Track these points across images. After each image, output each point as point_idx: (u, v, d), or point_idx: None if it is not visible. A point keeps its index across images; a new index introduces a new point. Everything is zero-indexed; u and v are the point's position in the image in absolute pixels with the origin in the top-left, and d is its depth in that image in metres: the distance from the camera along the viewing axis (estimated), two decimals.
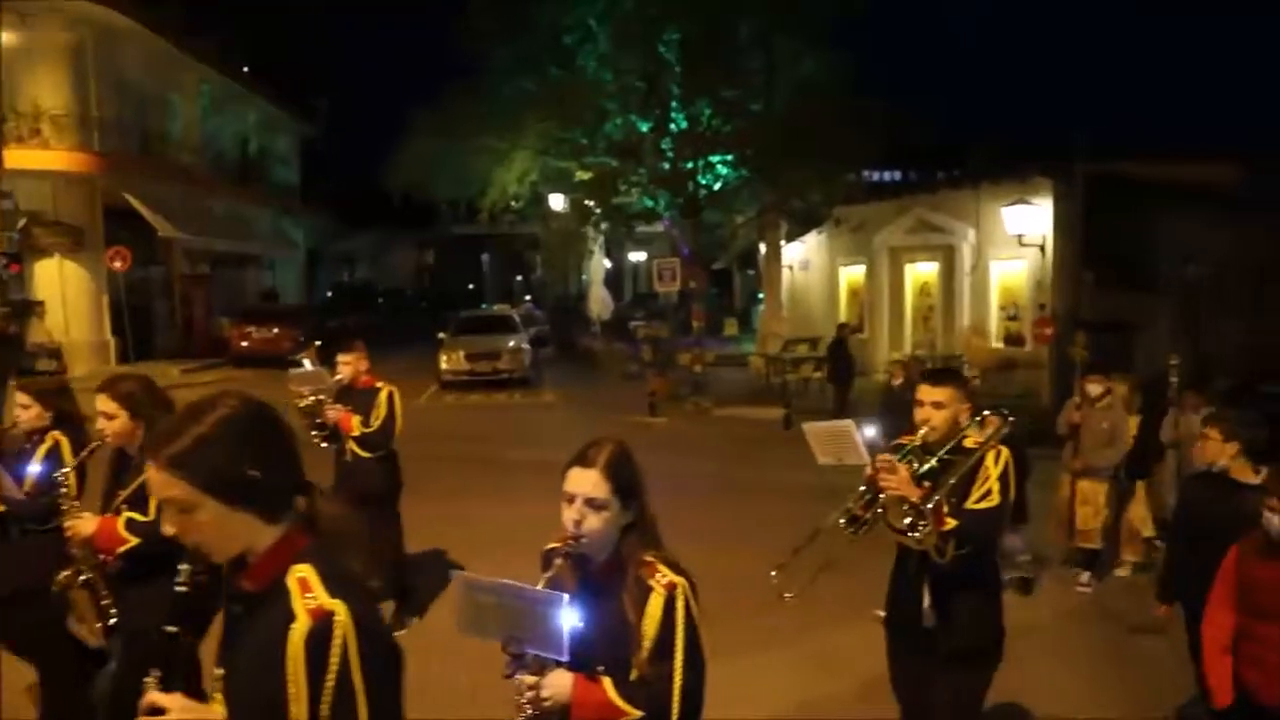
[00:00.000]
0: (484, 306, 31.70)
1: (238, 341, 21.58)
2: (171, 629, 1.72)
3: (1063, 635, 6.10)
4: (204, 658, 2.13)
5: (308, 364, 6.06)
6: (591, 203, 19.74)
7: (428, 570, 7.02)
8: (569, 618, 1.96)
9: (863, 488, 3.14)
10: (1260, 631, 3.31)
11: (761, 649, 5.49)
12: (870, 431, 3.52)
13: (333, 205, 38.29)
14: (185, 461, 1.57)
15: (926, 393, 3.31)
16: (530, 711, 2.04)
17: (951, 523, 3.00)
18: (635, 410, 15.32)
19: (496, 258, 52.11)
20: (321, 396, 5.66)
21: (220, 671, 1.69)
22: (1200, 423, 6.96)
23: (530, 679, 2.04)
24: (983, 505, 3.14)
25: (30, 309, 19.03)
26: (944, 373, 3.61)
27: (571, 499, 2.18)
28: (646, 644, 2.11)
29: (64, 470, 3.50)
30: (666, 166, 18.47)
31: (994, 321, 18.32)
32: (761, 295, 26.47)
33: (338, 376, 5.78)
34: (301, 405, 5.63)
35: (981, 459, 3.20)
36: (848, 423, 3.44)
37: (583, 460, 2.22)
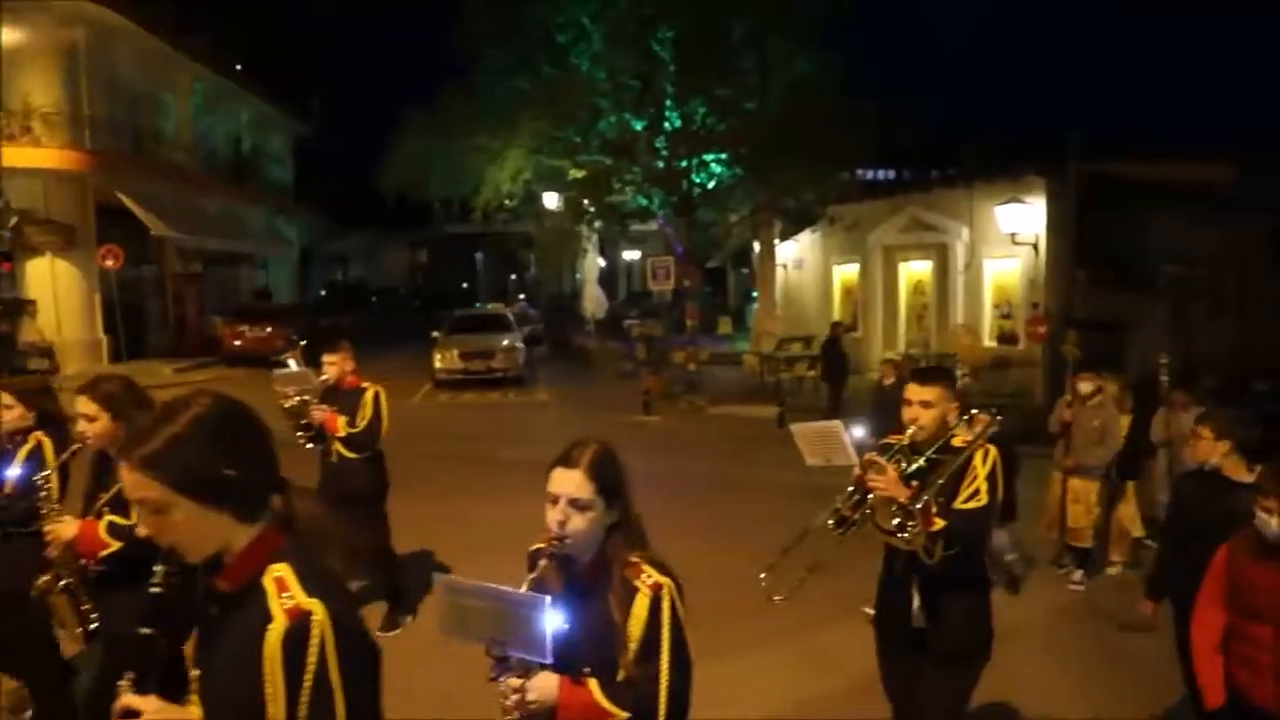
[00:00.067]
0: (478, 305, 31.68)
1: (230, 340, 21.52)
2: (146, 631, 1.70)
3: (1054, 633, 6.11)
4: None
5: (293, 364, 6.00)
6: (585, 201, 19.74)
7: (421, 570, 7.02)
8: (552, 620, 1.95)
9: (851, 488, 3.14)
10: (1251, 632, 3.30)
11: (756, 648, 5.50)
12: (858, 432, 3.52)
13: (326, 204, 38.21)
14: (158, 461, 1.55)
15: (915, 392, 3.31)
16: (516, 714, 2.02)
17: (940, 523, 3.00)
18: (629, 409, 15.32)
19: (490, 256, 52.04)
20: (307, 397, 5.61)
21: (196, 673, 1.67)
22: (1193, 421, 7.02)
23: (515, 681, 2.02)
24: (971, 505, 3.14)
25: (22, 308, 18.96)
26: (932, 372, 3.61)
27: (555, 500, 2.17)
28: (632, 645, 2.10)
29: (44, 473, 3.44)
30: (660, 165, 18.48)
31: (988, 320, 18.36)
32: (755, 294, 26.49)
33: (323, 377, 5.72)
34: (287, 406, 5.58)
35: (970, 458, 3.19)
36: (836, 424, 3.44)
37: (566, 461, 2.20)
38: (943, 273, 18.99)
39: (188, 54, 23.80)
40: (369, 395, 5.71)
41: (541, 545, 2.15)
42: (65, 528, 3.28)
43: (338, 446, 5.67)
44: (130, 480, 1.58)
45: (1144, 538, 7.14)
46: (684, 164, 18.36)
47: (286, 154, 35.22)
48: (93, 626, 3.35)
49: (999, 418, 3.42)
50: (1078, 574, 6.90)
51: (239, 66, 28.20)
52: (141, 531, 1.64)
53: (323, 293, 41.83)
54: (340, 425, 5.60)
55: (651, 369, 17.80)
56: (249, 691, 1.49)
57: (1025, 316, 16.45)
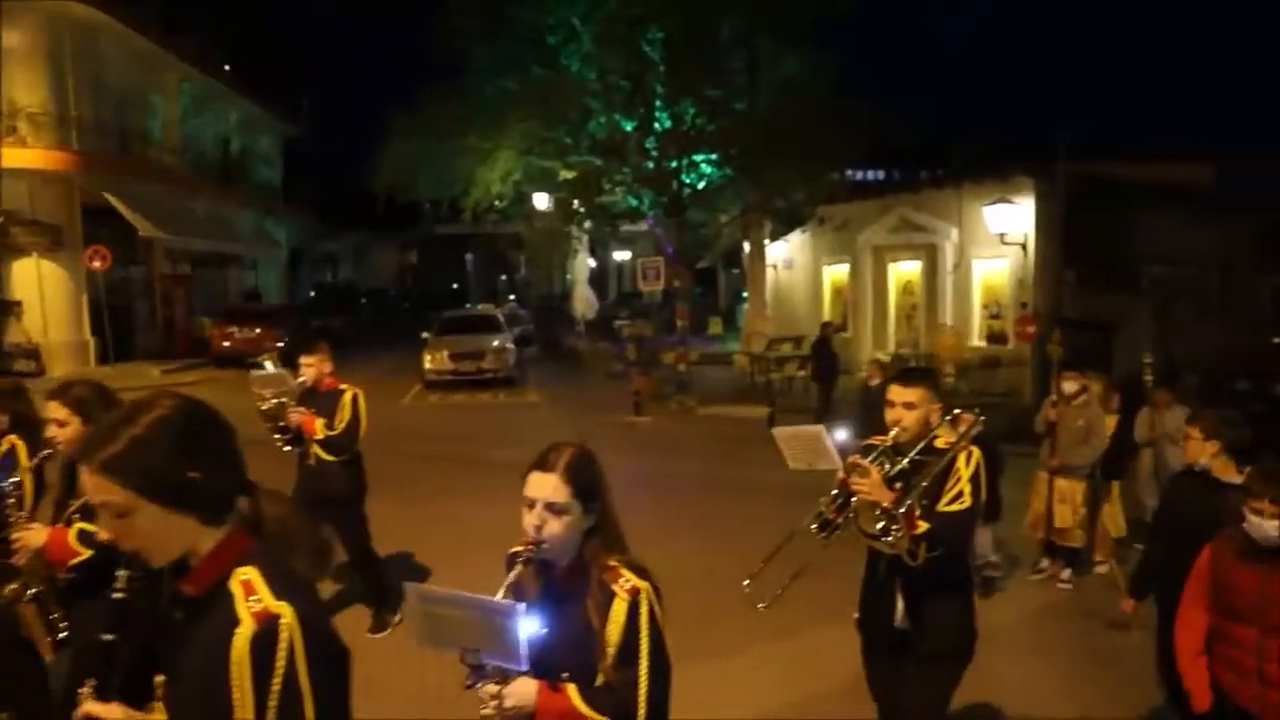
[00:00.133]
0: (468, 306, 31.61)
1: (219, 342, 21.44)
2: (108, 637, 1.66)
3: (1042, 632, 6.14)
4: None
5: (270, 366, 5.92)
6: (575, 202, 19.70)
7: (411, 571, 7.02)
8: (526, 627, 1.93)
9: (835, 491, 3.12)
10: (1235, 634, 3.28)
11: (746, 648, 5.51)
12: (841, 435, 3.50)
13: (315, 205, 38.12)
14: (119, 465, 1.52)
15: (897, 393, 3.30)
16: None
17: (923, 526, 3.00)
18: (620, 409, 15.32)
19: (480, 257, 51.96)
20: (284, 399, 5.54)
21: (161, 678, 1.64)
22: (1179, 421, 7.06)
23: (493, 688, 2.01)
24: (954, 508, 3.13)
25: (8, 309, 18.85)
26: (915, 373, 3.60)
27: (532, 504, 2.14)
28: (611, 650, 2.08)
29: (12, 480, 3.37)
30: (650, 165, 18.46)
31: (977, 320, 18.44)
32: (746, 294, 26.52)
33: (300, 379, 5.65)
34: (264, 408, 5.52)
35: (953, 460, 3.18)
36: (818, 428, 3.41)
37: (542, 464, 2.18)
38: (932, 273, 19.06)
39: (176, 54, 23.72)
40: (347, 397, 5.64)
41: (520, 549, 2.12)
42: (34, 535, 3.20)
43: (315, 449, 5.59)
44: (91, 484, 1.54)
45: (1122, 537, 7.16)
46: (674, 164, 18.35)
47: (275, 155, 35.11)
48: (62, 635, 3.28)
49: (982, 418, 3.43)
50: (1066, 572, 6.93)
51: (227, 67, 28.10)
52: (103, 536, 1.60)
53: (312, 294, 41.68)
54: (318, 428, 5.53)
55: (642, 369, 17.81)
56: (216, 696, 1.46)
57: (1014, 316, 16.53)
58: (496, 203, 20.14)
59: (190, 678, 1.53)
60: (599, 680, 2.09)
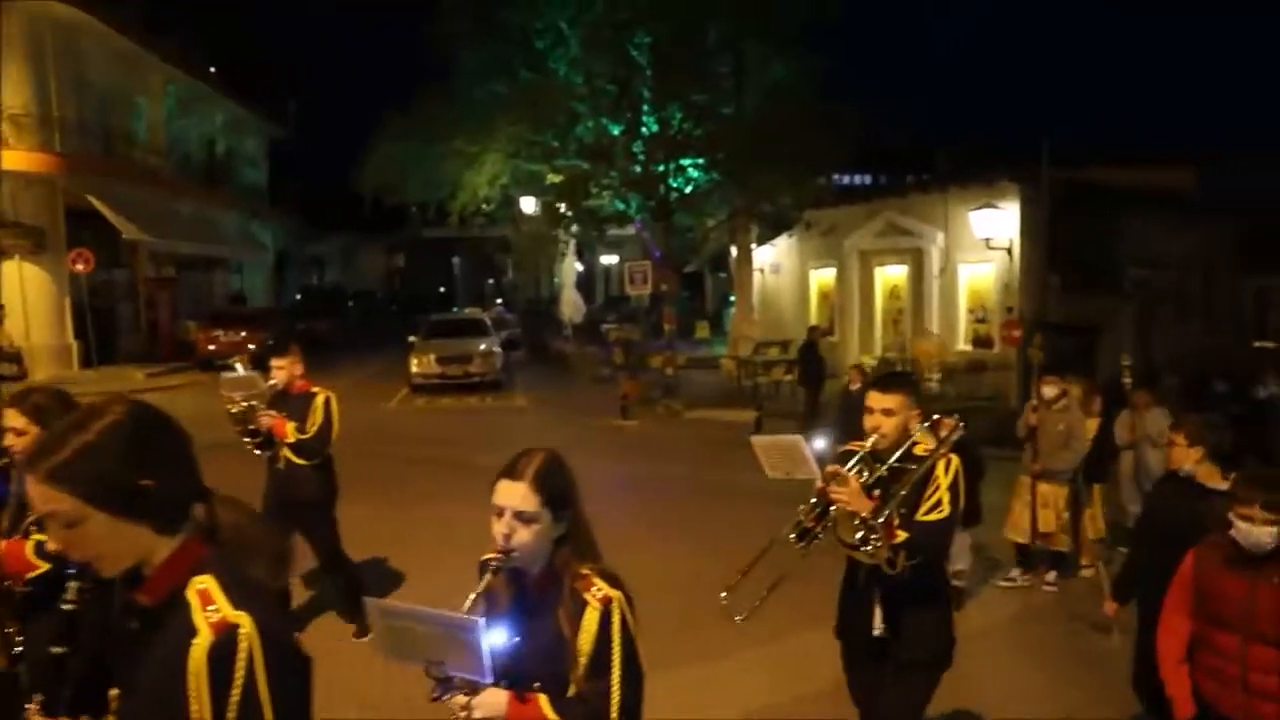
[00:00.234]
0: (455, 310, 31.53)
1: (204, 345, 21.32)
2: (58, 650, 1.61)
3: (1027, 634, 6.16)
4: None
5: (240, 368, 5.86)
6: (562, 205, 19.71)
7: (388, 575, 6.99)
8: (489, 640, 1.91)
9: (813, 500, 3.09)
10: (1218, 642, 3.24)
11: (732, 652, 5.51)
12: (820, 444, 3.48)
13: (301, 208, 37.97)
14: (68, 473, 1.47)
15: (876, 400, 3.27)
16: None
17: (902, 535, 2.98)
18: (607, 413, 15.32)
19: (467, 261, 51.87)
20: (254, 402, 5.47)
21: (115, 692, 1.59)
22: (1159, 422, 7.11)
23: (462, 699, 1.99)
24: (932, 517, 3.11)
25: None
26: (894, 379, 3.56)
27: (500, 512, 2.11)
28: (582, 660, 2.06)
29: None
30: (638, 169, 18.49)
31: (962, 324, 18.52)
32: (733, 298, 26.56)
33: (271, 381, 5.57)
34: (233, 411, 5.45)
35: (932, 468, 3.16)
36: (796, 438, 3.35)
37: (511, 472, 2.14)
38: (918, 277, 19.14)
39: (160, 56, 23.58)
40: (319, 400, 5.55)
41: (491, 556, 2.10)
42: None
43: (286, 452, 5.51)
44: (38, 493, 1.49)
45: (1101, 539, 7.18)
46: (661, 169, 18.38)
47: (261, 157, 34.97)
48: (17, 651, 3.22)
49: (962, 424, 3.42)
50: (1051, 575, 6.95)
51: (213, 69, 27.98)
52: (51, 547, 1.56)
53: (298, 297, 41.52)
54: (289, 431, 5.45)
55: (629, 373, 17.80)
56: (173, 709, 1.42)
57: (999, 320, 16.61)
58: (484, 206, 20.14)
59: (146, 690, 1.49)
60: (571, 690, 2.07)
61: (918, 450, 3.22)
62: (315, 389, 5.63)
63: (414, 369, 18.55)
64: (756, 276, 24.28)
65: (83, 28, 19.95)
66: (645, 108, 18.35)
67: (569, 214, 19.87)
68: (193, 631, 1.45)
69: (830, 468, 3.13)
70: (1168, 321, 17.99)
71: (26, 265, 19.05)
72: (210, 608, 1.48)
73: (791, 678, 5.28)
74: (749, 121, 17.96)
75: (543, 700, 2.05)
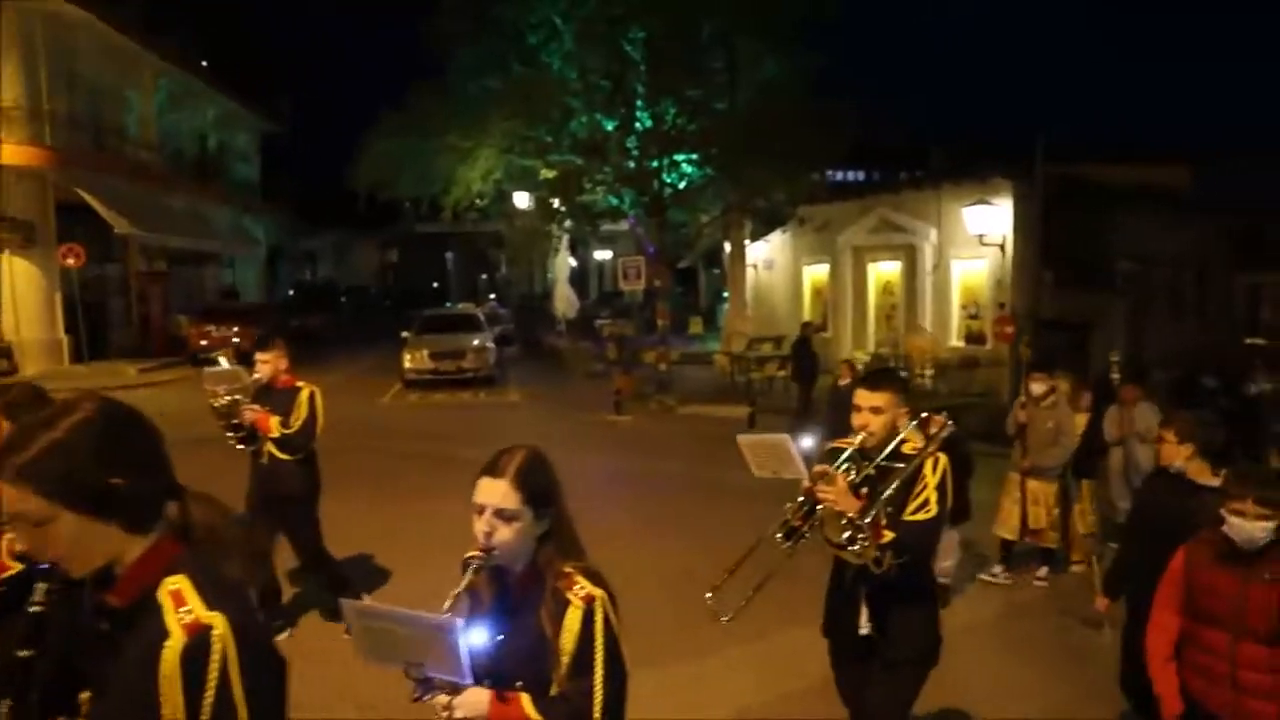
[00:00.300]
0: (448, 305, 31.51)
1: (197, 340, 21.23)
2: (25, 653, 1.58)
3: (1018, 630, 6.16)
4: None
5: (224, 362, 5.77)
6: (556, 201, 19.67)
7: (374, 570, 6.98)
8: (468, 641, 1.90)
9: (800, 499, 3.07)
10: (1207, 639, 3.24)
11: (723, 649, 5.50)
12: (807, 443, 3.45)
13: (294, 203, 37.85)
14: (35, 472, 1.44)
15: (864, 398, 3.24)
16: None
17: (889, 535, 2.97)
18: (600, 409, 15.31)
19: (461, 256, 51.82)
20: (238, 396, 5.43)
21: (86, 695, 1.57)
22: (1153, 419, 7.11)
23: (444, 698, 1.97)
24: (919, 516, 3.09)
25: None
26: (882, 376, 3.52)
27: (481, 510, 2.10)
28: (565, 659, 2.04)
29: None
30: (631, 165, 18.46)
31: (955, 320, 18.56)
32: (726, 294, 26.57)
33: (256, 375, 5.54)
34: (216, 405, 5.41)
35: (920, 467, 3.14)
36: (783, 436, 3.32)
37: (492, 469, 2.12)
38: (911, 273, 19.17)
39: (152, 49, 23.44)
40: (304, 394, 5.51)
41: (473, 554, 2.08)
42: None
43: (270, 447, 5.47)
44: (4, 493, 1.46)
45: (1091, 535, 7.19)
46: (655, 164, 18.35)
47: (253, 152, 34.83)
48: None
49: (950, 422, 3.40)
50: (1042, 570, 6.97)
51: (205, 63, 27.84)
52: (18, 547, 1.53)
53: (291, 292, 41.42)
54: (273, 425, 5.41)
55: (622, 369, 17.80)
56: (145, 713, 1.40)
57: (992, 317, 16.65)
58: (477, 201, 20.07)
59: (118, 693, 1.47)
60: (553, 690, 2.05)
61: (906, 448, 3.20)
62: (300, 383, 5.59)
63: (407, 364, 18.52)
64: (750, 272, 24.29)
65: (74, 22, 19.82)
66: (639, 103, 18.31)
67: (562, 209, 19.83)
68: (165, 633, 1.43)
69: (818, 467, 3.10)
70: (1160, 318, 18.05)
71: (16, 260, 18.96)
72: (183, 609, 1.45)
73: (782, 675, 5.28)
74: (742, 117, 17.94)
75: (525, 700, 2.03)
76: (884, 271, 20.29)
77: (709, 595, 3.19)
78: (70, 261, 18.52)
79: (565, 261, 28.90)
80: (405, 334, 19.74)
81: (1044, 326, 15.54)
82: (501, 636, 2.09)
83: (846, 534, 2.90)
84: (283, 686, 1.59)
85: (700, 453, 12.13)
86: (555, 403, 16.67)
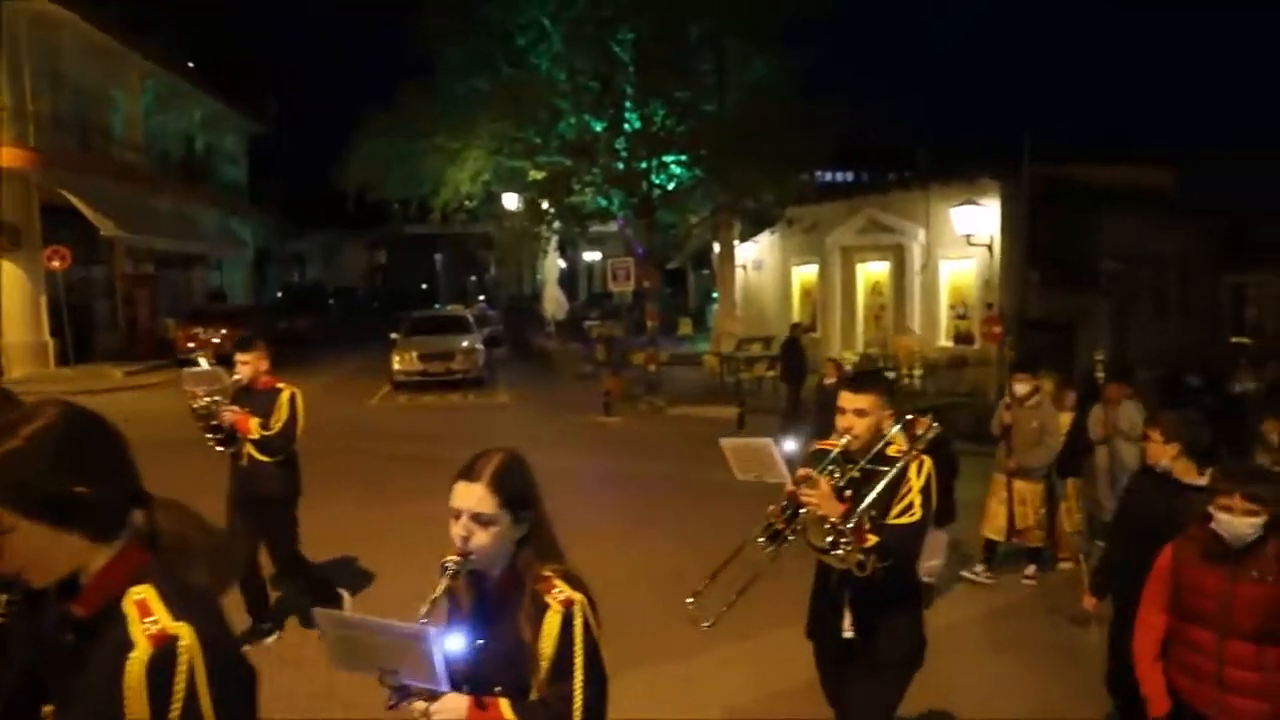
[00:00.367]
0: (437, 307, 31.41)
1: (184, 343, 21.11)
2: None
3: (1005, 629, 6.19)
4: None
5: (204, 363, 5.76)
6: (545, 202, 19.67)
7: (358, 573, 6.95)
8: (444, 647, 1.88)
9: (784, 502, 3.04)
10: (1194, 637, 3.24)
11: (713, 647, 5.50)
12: (789, 446, 3.43)
13: (282, 204, 37.73)
14: None
15: (848, 400, 3.20)
16: None
17: (872, 539, 2.94)
18: (589, 410, 15.30)
19: (449, 257, 51.69)
20: (217, 397, 5.38)
21: (50, 708, 1.54)
22: (1138, 417, 7.15)
23: (420, 705, 1.95)
24: (904, 520, 3.06)
25: None
26: (866, 378, 3.48)
27: (458, 514, 2.08)
28: (544, 663, 2.02)
29: None
30: (620, 166, 18.47)
31: (944, 320, 18.64)
32: (715, 295, 26.60)
33: (236, 376, 5.49)
34: (195, 406, 5.36)
35: (904, 470, 3.11)
36: (766, 441, 3.28)
37: (468, 473, 2.10)
38: (900, 273, 19.24)
39: (137, 50, 23.32)
40: (284, 396, 5.46)
41: (451, 559, 2.06)
42: None
43: (249, 449, 5.43)
44: None
45: (1076, 532, 7.21)
46: (644, 165, 18.37)
47: (241, 153, 34.70)
48: None
49: (936, 425, 3.39)
50: (1030, 569, 6.99)
51: (191, 64, 27.71)
52: None
53: (279, 294, 41.25)
54: (253, 427, 5.37)
55: (612, 370, 17.79)
56: None
57: (980, 316, 16.72)
58: (466, 203, 20.06)
59: (82, 706, 1.44)
60: (533, 695, 2.03)
61: (890, 451, 3.17)
62: (280, 384, 5.54)
63: (396, 366, 18.47)
64: (739, 273, 24.33)
65: (59, 22, 19.70)
66: (628, 104, 18.33)
67: (551, 211, 19.83)
68: (129, 645, 1.40)
69: (801, 471, 3.07)
70: (1146, 317, 18.17)
71: (1, 262, 18.81)
72: (149, 619, 1.42)
73: (771, 673, 5.28)
74: (731, 118, 17.97)
75: (504, 705, 2.01)
76: (872, 272, 20.36)
77: (690, 600, 3.15)
78: (55, 264, 18.39)
79: (554, 263, 28.88)
80: (394, 335, 19.68)
81: (1030, 326, 15.62)
82: (481, 641, 2.07)
83: (829, 538, 2.87)
84: (252, 697, 1.57)
85: (689, 453, 12.13)
86: (544, 404, 16.65)
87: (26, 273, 19.11)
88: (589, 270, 43.10)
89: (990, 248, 16.80)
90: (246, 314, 24.41)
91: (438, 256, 52.49)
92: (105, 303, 22.96)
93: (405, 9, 18.78)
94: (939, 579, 6.58)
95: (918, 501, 3.08)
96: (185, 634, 1.41)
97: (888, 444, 3.20)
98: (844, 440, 3.18)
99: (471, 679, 2.03)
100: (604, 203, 19.38)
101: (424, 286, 51.15)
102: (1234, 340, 19.05)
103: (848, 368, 12.53)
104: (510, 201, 21.26)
